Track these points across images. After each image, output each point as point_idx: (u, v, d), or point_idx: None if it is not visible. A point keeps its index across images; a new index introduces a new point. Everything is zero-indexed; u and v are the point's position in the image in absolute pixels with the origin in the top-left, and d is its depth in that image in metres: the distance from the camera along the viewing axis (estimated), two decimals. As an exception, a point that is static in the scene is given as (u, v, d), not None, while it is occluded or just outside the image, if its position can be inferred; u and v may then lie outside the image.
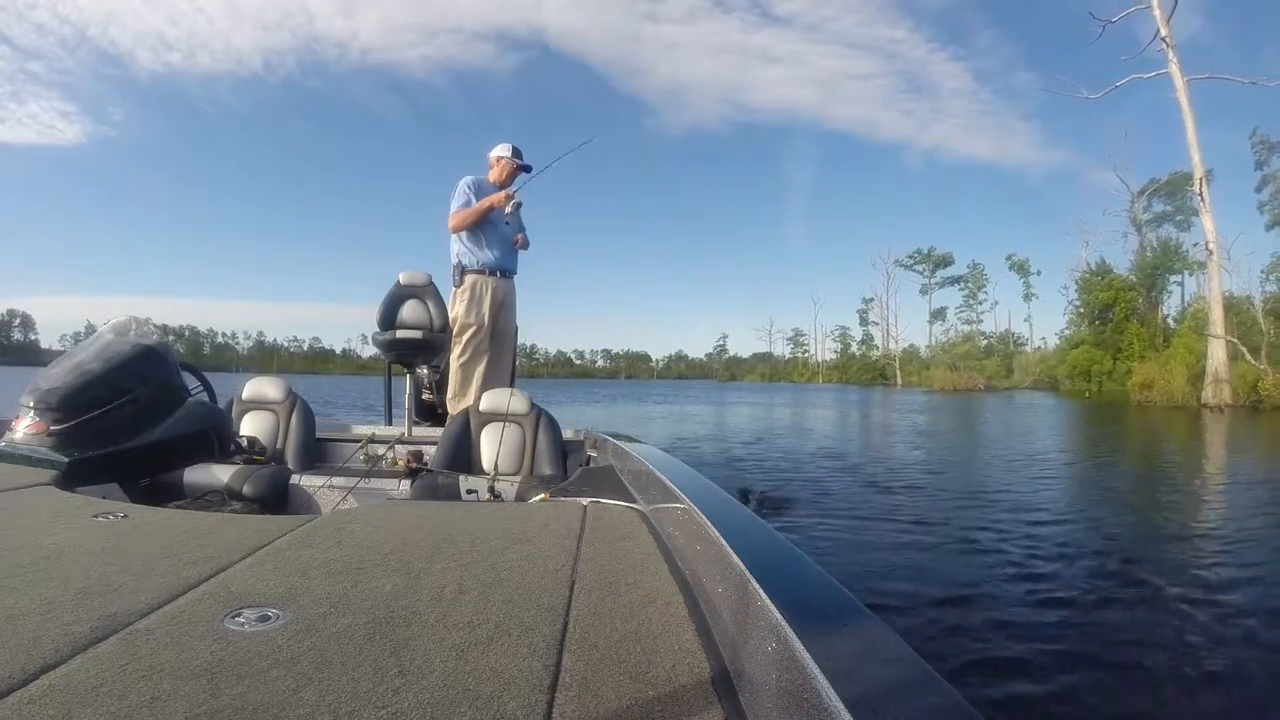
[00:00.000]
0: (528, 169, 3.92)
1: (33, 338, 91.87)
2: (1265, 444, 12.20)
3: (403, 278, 4.02)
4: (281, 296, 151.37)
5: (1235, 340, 21.33)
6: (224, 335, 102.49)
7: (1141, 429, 15.40)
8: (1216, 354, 21.30)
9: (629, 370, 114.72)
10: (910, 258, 67.20)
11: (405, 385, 4.04)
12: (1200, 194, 21.96)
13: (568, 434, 3.13)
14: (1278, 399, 19.90)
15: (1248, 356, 21.16)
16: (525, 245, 4.04)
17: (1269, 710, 2.27)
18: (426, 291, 3.97)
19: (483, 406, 2.91)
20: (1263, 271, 31.67)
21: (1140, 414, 19.89)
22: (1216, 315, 21.40)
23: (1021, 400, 29.80)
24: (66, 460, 1.96)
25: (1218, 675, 2.44)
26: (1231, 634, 2.82)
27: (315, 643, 0.79)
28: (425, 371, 4.06)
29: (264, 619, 0.86)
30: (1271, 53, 55.88)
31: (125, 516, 1.42)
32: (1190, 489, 7.14)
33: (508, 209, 3.77)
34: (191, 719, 0.63)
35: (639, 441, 2.49)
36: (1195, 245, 23.37)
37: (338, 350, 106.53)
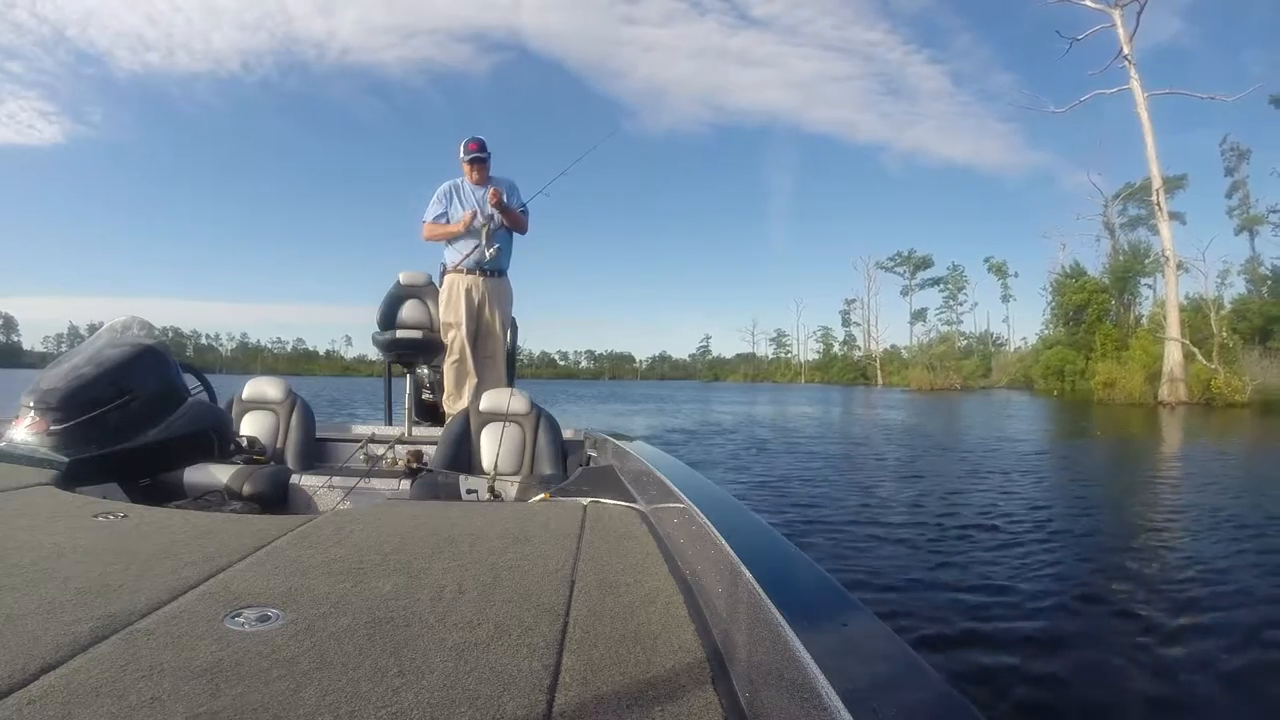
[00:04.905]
0: (476, 160, 3.75)
1: (15, 339, 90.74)
2: (1177, 435, 13.24)
3: (403, 277, 4.02)
4: (264, 297, 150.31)
5: (1187, 342, 22.29)
6: (207, 336, 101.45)
7: (1084, 423, 16.15)
8: (1172, 355, 22.34)
9: (613, 371, 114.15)
10: (891, 260, 67.09)
11: (405, 385, 4.05)
12: (1159, 204, 23.05)
13: (568, 434, 3.13)
14: (1229, 397, 20.68)
15: (1200, 357, 22.12)
16: (518, 227, 3.88)
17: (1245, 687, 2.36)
18: (426, 291, 3.96)
19: (482, 406, 2.91)
20: (1219, 276, 32.98)
21: (1098, 410, 20.74)
22: (1172, 319, 22.41)
23: (992, 398, 31.00)
24: (66, 460, 1.96)
25: (1198, 660, 2.54)
26: (1203, 618, 2.97)
27: (315, 643, 0.79)
28: (425, 371, 4.06)
29: (264, 619, 0.86)
30: (1251, 56, 55.88)
31: (125, 516, 1.42)
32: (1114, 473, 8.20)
33: (478, 224, 3.67)
34: (191, 719, 0.63)
35: (639, 441, 2.50)
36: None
37: (321, 351, 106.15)
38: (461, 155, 3.75)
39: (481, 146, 3.73)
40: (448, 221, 3.77)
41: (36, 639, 0.78)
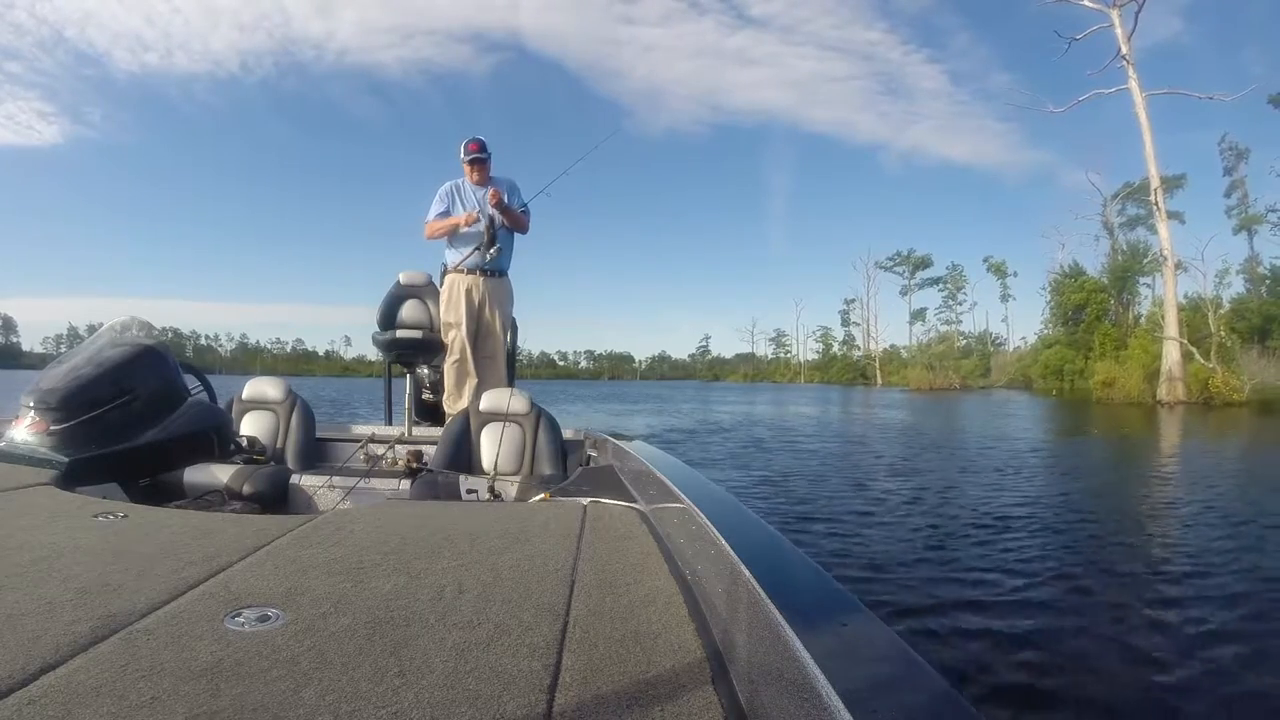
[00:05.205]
0: (476, 161, 3.75)
1: (15, 339, 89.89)
2: (1174, 434, 13.25)
3: (403, 277, 4.02)
4: (264, 298, 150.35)
5: (1185, 341, 22.43)
6: (207, 336, 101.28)
7: (1082, 422, 16.23)
8: (1170, 354, 22.43)
9: (612, 371, 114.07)
10: (890, 260, 67.02)
11: (405, 385, 4.05)
12: (1157, 204, 23.08)
13: (568, 434, 3.13)
14: (1227, 396, 20.74)
15: (1198, 357, 22.27)
16: (518, 227, 3.88)
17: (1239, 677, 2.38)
18: (426, 291, 3.97)
19: (482, 406, 2.91)
20: (1217, 276, 33.48)
21: (1097, 410, 20.81)
22: (1171, 318, 22.48)
23: (991, 398, 31.04)
24: (66, 460, 1.96)
25: (1190, 649, 2.57)
26: (1196, 611, 3.02)
27: (315, 643, 0.79)
28: (426, 371, 4.06)
29: (264, 619, 0.86)
30: (1250, 55, 55.86)
31: (125, 516, 1.42)
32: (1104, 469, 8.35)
33: (480, 226, 3.67)
34: (191, 719, 0.63)
35: (639, 440, 2.50)
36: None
37: (321, 352, 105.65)
38: (462, 156, 3.75)
39: (482, 147, 3.74)
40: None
41: (36, 639, 0.78)
